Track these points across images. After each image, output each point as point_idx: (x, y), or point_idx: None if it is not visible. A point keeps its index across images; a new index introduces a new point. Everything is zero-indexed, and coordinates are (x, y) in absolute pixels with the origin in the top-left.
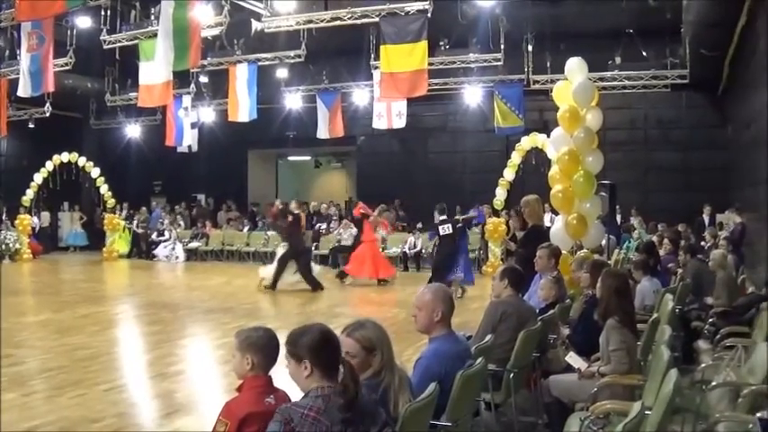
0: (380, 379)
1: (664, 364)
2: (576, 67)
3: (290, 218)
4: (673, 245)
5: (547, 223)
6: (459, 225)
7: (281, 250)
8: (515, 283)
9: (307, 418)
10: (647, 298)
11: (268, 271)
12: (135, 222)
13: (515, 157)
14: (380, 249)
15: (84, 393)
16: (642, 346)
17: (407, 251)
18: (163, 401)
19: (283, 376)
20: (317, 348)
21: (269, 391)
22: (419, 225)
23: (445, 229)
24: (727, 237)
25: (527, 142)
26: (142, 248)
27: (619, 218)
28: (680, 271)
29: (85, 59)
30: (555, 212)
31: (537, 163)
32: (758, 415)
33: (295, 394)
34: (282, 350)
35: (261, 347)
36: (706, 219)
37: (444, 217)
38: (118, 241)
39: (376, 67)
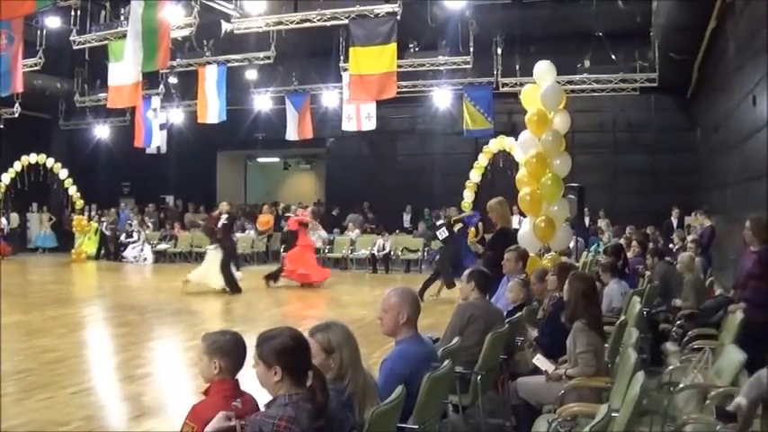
0: (345, 383)
1: (631, 367)
2: (544, 70)
3: (223, 220)
4: (641, 247)
5: (515, 225)
6: (460, 226)
7: (213, 253)
8: (482, 286)
9: (278, 428)
10: (614, 300)
11: (198, 274)
12: (104, 224)
13: (482, 160)
14: (318, 251)
15: (52, 396)
16: (609, 349)
17: (376, 253)
18: (131, 404)
19: (250, 380)
20: (287, 353)
21: (236, 395)
22: (423, 227)
23: (443, 233)
24: (696, 239)
25: (494, 145)
26: (110, 250)
27: (587, 220)
28: (648, 273)
29: (55, 60)
30: (523, 214)
31: (504, 165)
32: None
33: (263, 398)
34: (251, 353)
35: (228, 351)
36: (674, 221)
37: (441, 221)
38: (86, 243)
39: (345, 69)
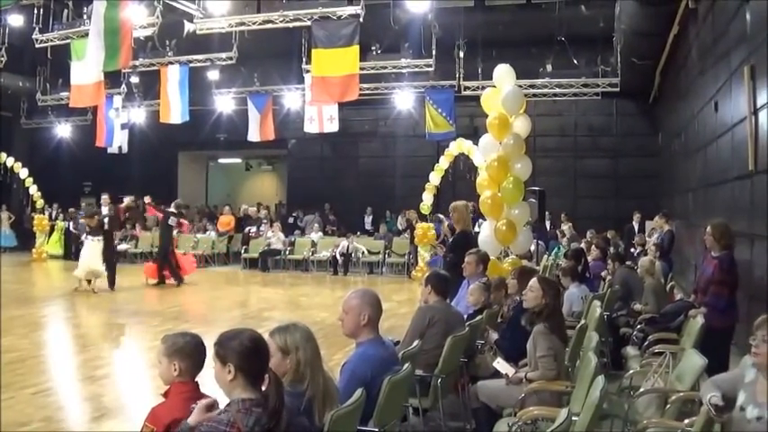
0: (304, 387)
1: (591, 371)
2: (504, 73)
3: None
4: (601, 251)
5: (475, 228)
6: None
7: (93, 245)
8: (439, 290)
9: None
10: (575, 304)
11: (82, 269)
12: (70, 224)
13: (443, 162)
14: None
15: (12, 396)
16: (570, 353)
17: (337, 255)
18: (90, 405)
19: (210, 382)
20: (245, 354)
21: (195, 397)
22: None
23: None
24: (657, 243)
25: (455, 147)
26: (71, 250)
27: (548, 224)
28: (608, 277)
29: (17, 58)
30: (482, 217)
31: (464, 168)
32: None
33: (223, 401)
34: (210, 355)
35: (188, 353)
36: (636, 225)
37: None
38: (51, 243)
39: (307, 71)
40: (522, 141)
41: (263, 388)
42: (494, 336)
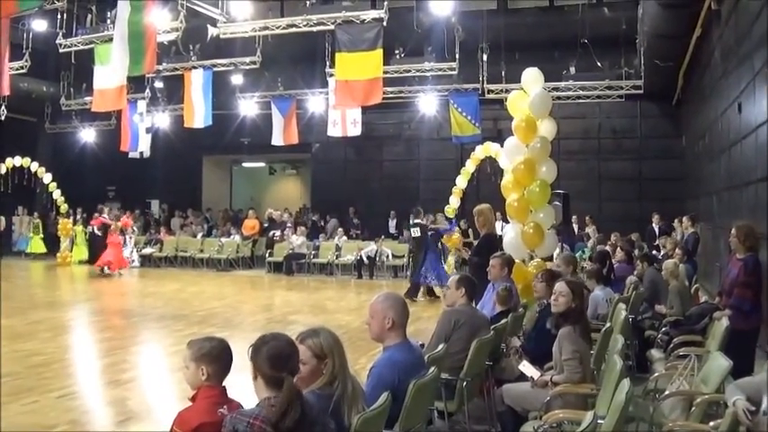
0: (333, 389)
1: (616, 373)
2: (532, 77)
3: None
4: (626, 254)
5: (498, 231)
6: (430, 233)
7: None
8: (470, 293)
9: (252, 427)
10: (600, 307)
11: None
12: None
13: (469, 166)
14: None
15: (37, 400)
16: (595, 355)
17: (364, 258)
18: (116, 408)
19: (237, 387)
20: (268, 359)
21: (222, 402)
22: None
23: (415, 232)
24: (681, 246)
25: (480, 151)
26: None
27: (576, 227)
28: (632, 279)
29: (41, 63)
30: (506, 220)
31: (490, 171)
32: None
33: (249, 404)
34: (236, 358)
35: (215, 358)
36: (655, 227)
37: (418, 220)
38: (76, 248)
39: (331, 75)
40: (548, 144)
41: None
42: (515, 341)
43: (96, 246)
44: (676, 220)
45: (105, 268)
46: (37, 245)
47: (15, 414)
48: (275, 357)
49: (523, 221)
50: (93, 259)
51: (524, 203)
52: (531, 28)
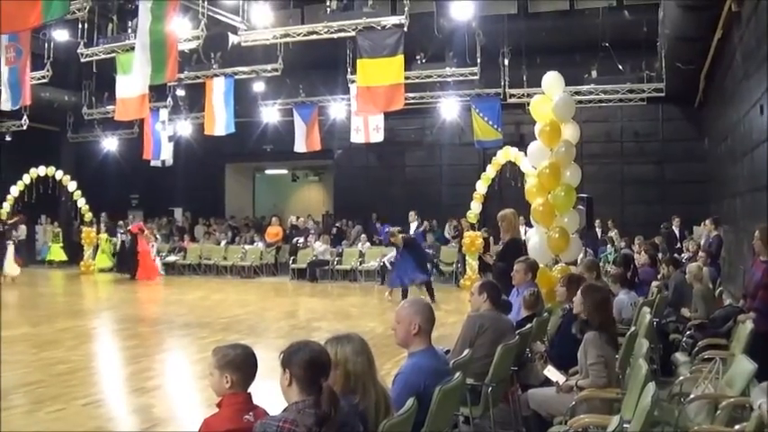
0: (357, 398)
1: (642, 378)
2: (553, 81)
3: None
4: (650, 258)
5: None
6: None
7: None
8: (494, 298)
9: (282, 430)
10: (624, 311)
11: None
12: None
13: (490, 171)
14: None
15: (63, 408)
16: (620, 360)
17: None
18: (141, 416)
19: (263, 392)
20: (303, 365)
21: (248, 409)
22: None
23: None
24: (705, 249)
25: (501, 156)
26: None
27: (599, 231)
28: (656, 283)
29: (62, 72)
30: (529, 225)
31: (510, 176)
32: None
33: (275, 411)
34: (261, 365)
35: (239, 365)
36: (676, 230)
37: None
38: (100, 256)
39: (353, 81)
40: (572, 148)
41: (318, 395)
42: (540, 347)
43: (124, 254)
44: (702, 223)
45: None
46: (57, 253)
47: (41, 422)
48: (312, 362)
49: (548, 226)
50: (119, 267)
51: (549, 208)
52: (552, 32)
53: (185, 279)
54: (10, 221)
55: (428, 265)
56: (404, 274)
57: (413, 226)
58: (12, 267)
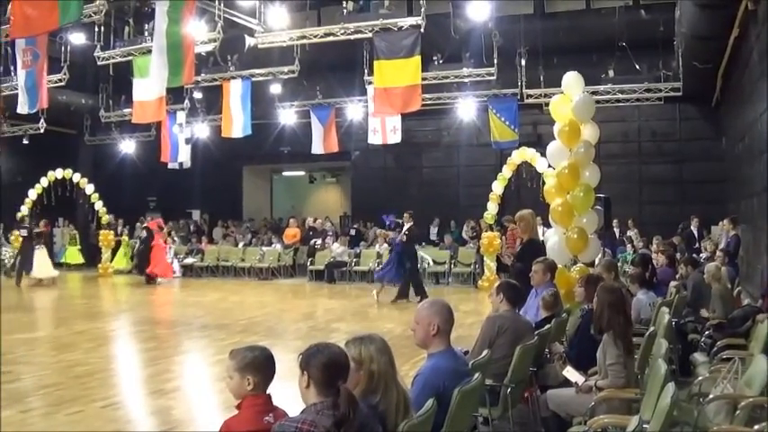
0: (377, 399)
1: (661, 378)
2: (573, 81)
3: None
4: (668, 258)
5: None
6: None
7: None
8: (511, 299)
9: (300, 431)
10: (643, 311)
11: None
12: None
13: (506, 171)
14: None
15: (81, 410)
16: (639, 360)
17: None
18: (159, 418)
19: (282, 394)
20: (320, 367)
21: (268, 410)
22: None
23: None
24: (724, 249)
25: (516, 156)
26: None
27: (617, 231)
28: (675, 283)
29: (80, 76)
30: (547, 225)
31: (527, 177)
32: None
33: (294, 412)
34: (279, 366)
35: (258, 367)
36: (695, 230)
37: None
38: (118, 258)
39: (370, 83)
40: (592, 149)
41: (336, 396)
42: (559, 348)
43: (142, 256)
44: (720, 223)
45: (157, 279)
46: (73, 255)
47: (59, 424)
48: (330, 364)
49: (567, 226)
50: (139, 270)
51: (568, 208)
52: (569, 31)
53: (203, 281)
54: (37, 230)
55: (407, 265)
56: (386, 273)
57: (406, 226)
58: (46, 270)
